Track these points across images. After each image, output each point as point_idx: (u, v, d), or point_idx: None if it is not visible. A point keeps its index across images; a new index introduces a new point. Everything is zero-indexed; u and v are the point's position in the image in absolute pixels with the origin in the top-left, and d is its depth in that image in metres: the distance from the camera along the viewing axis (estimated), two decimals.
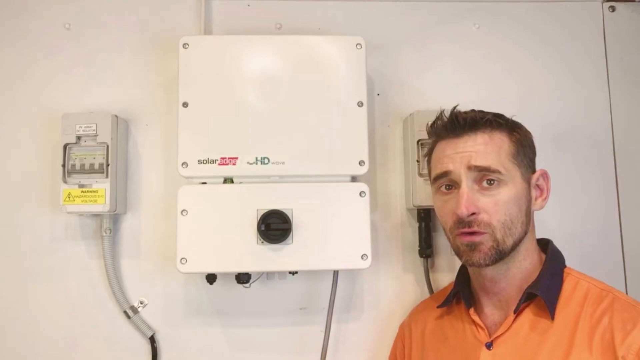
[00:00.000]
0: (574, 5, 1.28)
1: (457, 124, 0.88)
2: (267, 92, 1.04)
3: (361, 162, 1.04)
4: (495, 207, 0.84)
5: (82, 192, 1.07)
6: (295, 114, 1.04)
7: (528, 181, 0.88)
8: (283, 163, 1.03)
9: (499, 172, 0.84)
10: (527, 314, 0.86)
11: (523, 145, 0.89)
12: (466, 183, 0.85)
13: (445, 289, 1.08)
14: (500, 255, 0.84)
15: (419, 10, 1.26)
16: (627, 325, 0.78)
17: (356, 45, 1.07)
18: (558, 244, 0.94)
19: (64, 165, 1.08)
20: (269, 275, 1.16)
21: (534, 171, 0.91)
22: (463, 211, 0.83)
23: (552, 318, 0.83)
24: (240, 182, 1.04)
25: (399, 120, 1.22)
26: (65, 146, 1.08)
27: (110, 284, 1.12)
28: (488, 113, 0.89)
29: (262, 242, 1.00)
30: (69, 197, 1.07)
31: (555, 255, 0.91)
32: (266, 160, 1.03)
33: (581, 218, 1.21)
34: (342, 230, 1.02)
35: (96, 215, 1.14)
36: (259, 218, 0.99)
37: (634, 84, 1.26)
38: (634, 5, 1.28)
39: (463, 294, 0.94)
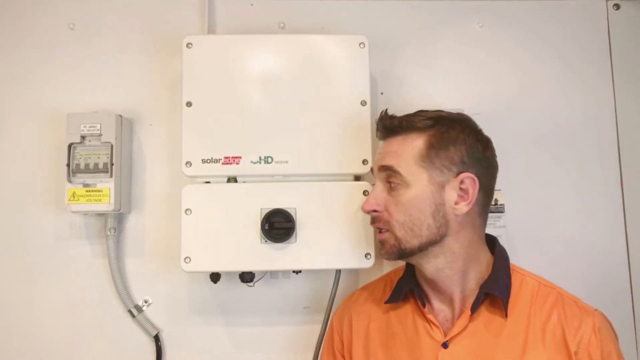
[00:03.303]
0: (578, 4, 1.27)
1: (381, 128, 0.92)
2: (270, 92, 1.05)
3: (364, 161, 1.04)
4: (395, 207, 0.86)
5: (87, 191, 1.08)
6: (299, 113, 1.04)
7: (441, 184, 0.85)
8: (286, 162, 1.03)
9: (400, 174, 0.86)
10: (482, 312, 0.87)
11: (443, 147, 0.85)
12: (377, 182, 0.90)
13: (378, 280, 1.04)
14: (404, 253, 0.86)
15: (423, 9, 1.26)
16: (574, 322, 0.83)
17: (359, 44, 1.07)
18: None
19: (68, 165, 1.08)
20: (272, 274, 1.16)
21: (458, 173, 0.85)
22: (364, 207, 0.90)
23: (506, 316, 0.85)
24: (244, 181, 1.04)
25: None
26: (69, 146, 1.09)
27: (115, 283, 1.12)
28: (416, 114, 0.90)
29: (266, 241, 1.00)
30: (74, 197, 1.07)
31: (503, 254, 0.92)
32: (270, 160, 1.03)
33: (585, 217, 1.20)
34: (346, 229, 1.02)
35: (100, 215, 1.14)
36: (262, 217, 1.00)
37: (638, 83, 1.25)
38: (638, 3, 1.27)
39: (417, 292, 0.91)
